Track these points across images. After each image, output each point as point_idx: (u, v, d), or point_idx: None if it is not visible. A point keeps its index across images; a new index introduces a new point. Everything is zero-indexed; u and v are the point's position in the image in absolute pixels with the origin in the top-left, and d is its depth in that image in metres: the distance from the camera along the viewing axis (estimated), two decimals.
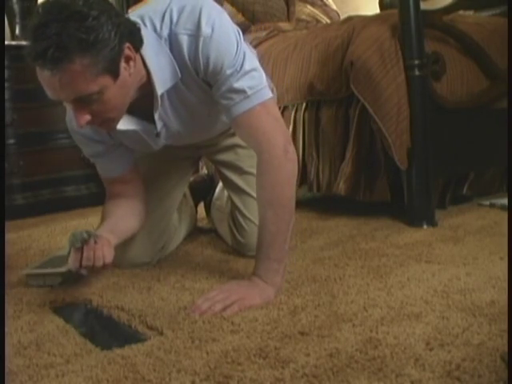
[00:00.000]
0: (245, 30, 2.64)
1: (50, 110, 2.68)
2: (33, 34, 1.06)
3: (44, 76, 1.08)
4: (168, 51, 1.21)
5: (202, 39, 1.19)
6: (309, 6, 3.24)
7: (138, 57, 1.18)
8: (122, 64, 1.13)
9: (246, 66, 1.23)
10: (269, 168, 1.25)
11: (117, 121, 1.22)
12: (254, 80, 1.24)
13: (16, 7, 2.81)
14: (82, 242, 1.15)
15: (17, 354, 1.05)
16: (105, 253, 1.20)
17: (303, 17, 3.15)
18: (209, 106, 1.34)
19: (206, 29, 1.18)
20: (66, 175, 2.79)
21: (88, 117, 1.14)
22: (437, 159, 1.85)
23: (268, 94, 1.26)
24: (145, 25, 1.22)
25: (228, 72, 1.21)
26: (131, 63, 1.15)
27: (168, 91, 1.26)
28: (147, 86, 1.22)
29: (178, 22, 1.21)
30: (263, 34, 2.67)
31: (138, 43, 1.17)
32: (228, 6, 2.95)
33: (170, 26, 1.21)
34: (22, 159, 2.65)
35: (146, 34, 1.20)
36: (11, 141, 2.63)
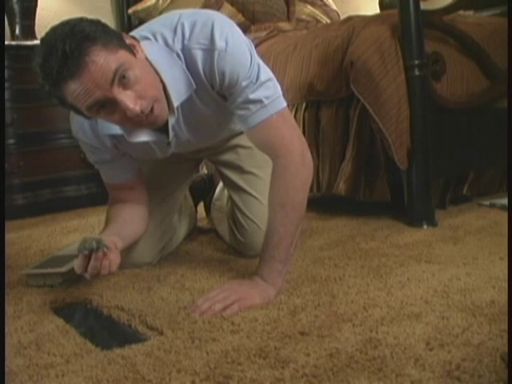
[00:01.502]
0: (245, 30, 2.64)
1: (50, 109, 2.68)
2: (42, 61, 1.05)
3: (75, 83, 1.06)
4: (181, 63, 1.21)
5: (216, 53, 1.19)
6: (309, 6, 3.25)
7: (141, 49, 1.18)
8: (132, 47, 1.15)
9: (262, 77, 1.23)
10: (285, 172, 1.25)
11: (162, 102, 1.18)
12: (269, 90, 1.24)
13: (16, 7, 2.81)
14: (89, 251, 1.16)
15: (17, 354, 1.05)
16: (111, 261, 1.20)
17: (303, 17, 3.15)
18: (220, 117, 1.35)
19: (219, 43, 1.18)
20: (66, 175, 2.79)
21: (138, 99, 1.12)
22: (437, 159, 1.85)
23: (283, 102, 1.27)
24: (156, 39, 1.23)
25: (244, 84, 1.21)
26: (138, 48, 1.16)
27: (181, 103, 1.25)
28: None
29: (190, 37, 1.21)
30: (263, 34, 2.67)
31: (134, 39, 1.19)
32: (228, 5, 2.95)
33: (182, 41, 1.21)
34: (22, 159, 2.65)
35: (157, 48, 1.21)
36: (11, 141, 2.63)
